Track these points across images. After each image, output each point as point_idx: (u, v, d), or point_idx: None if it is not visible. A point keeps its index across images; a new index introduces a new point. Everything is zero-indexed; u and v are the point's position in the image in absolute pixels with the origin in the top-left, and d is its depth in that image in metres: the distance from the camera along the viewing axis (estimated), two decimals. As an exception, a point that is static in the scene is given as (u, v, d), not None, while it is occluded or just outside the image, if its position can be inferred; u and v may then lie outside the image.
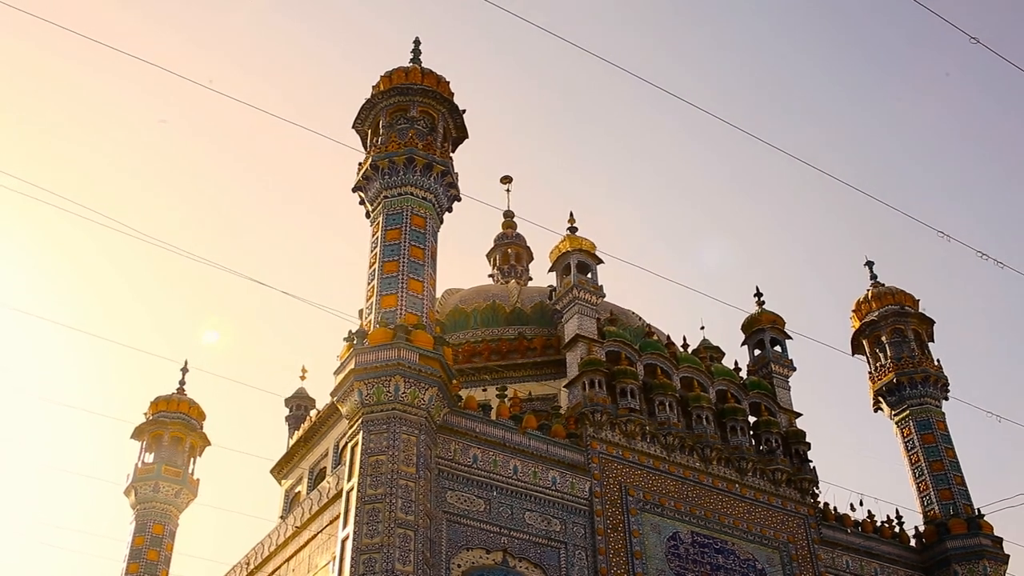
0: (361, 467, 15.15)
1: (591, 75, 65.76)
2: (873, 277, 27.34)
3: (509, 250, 31.74)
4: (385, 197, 18.48)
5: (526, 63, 66.63)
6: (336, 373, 16.49)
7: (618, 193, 67.14)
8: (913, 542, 22.95)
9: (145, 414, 28.95)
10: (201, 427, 29.33)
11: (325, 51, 65.21)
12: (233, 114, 64.44)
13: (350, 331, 16.68)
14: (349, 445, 15.91)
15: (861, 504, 22.75)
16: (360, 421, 15.67)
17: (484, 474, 16.96)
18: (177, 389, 29.65)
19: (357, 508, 14.76)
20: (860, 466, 56.61)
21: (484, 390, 19.86)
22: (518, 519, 16.93)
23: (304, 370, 29.12)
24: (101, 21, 55.65)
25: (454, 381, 17.20)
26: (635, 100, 65.41)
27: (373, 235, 18.34)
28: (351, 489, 15.18)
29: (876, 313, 26.04)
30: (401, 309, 16.94)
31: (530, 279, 30.83)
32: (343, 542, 14.78)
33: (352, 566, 14.21)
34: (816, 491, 21.33)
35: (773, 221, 65.62)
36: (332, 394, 16.53)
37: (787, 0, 63.22)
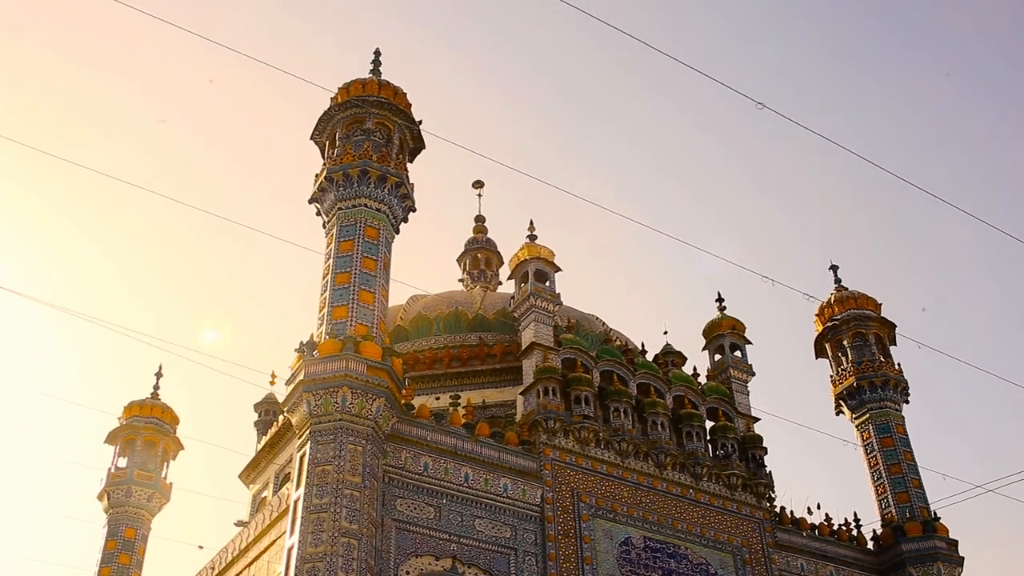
0: (308, 477, 15.42)
1: (583, 74, 65.93)
2: (837, 281, 27.64)
3: (479, 255, 31.99)
4: (339, 209, 18.68)
5: (521, 58, 66.82)
6: (287, 384, 16.73)
7: (608, 194, 67.33)
8: (871, 545, 23.24)
9: (119, 419, 29.08)
10: (175, 431, 29.51)
11: (326, 49, 65.26)
12: (233, 114, 64.32)
13: (301, 342, 16.93)
14: (298, 455, 16.18)
15: (819, 507, 23.08)
16: (308, 431, 15.93)
17: (434, 482, 17.22)
18: (151, 394, 29.80)
19: (303, 517, 15.03)
20: (822, 469, 57.07)
21: (437, 398, 20.14)
22: (468, 526, 17.21)
23: (274, 375, 29.32)
24: (101, 21, 55.85)
25: (404, 390, 17.45)
26: (629, 98, 65.58)
27: (327, 246, 18.53)
28: (298, 499, 15.46)
29: (839, 317, 26.34)
30: (351, 320, 17.16)
31: (500, 284, 31.10)
32: (289, 551, 15.05)
33: (296, 575, 14.49)
34: (772, 495, 21.64)
35: (748, 223, 65.71)
36: (283, 405, 16.80)
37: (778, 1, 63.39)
